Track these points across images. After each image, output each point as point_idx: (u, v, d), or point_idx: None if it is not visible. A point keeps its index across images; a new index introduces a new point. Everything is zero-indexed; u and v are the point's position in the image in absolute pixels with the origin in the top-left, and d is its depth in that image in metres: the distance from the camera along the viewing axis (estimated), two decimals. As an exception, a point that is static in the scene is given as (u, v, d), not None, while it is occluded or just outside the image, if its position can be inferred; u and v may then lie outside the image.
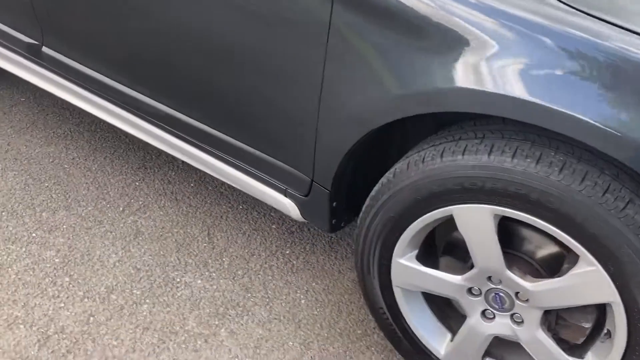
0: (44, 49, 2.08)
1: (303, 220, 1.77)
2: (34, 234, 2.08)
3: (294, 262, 2.04)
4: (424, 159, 1.36)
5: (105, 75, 1.97)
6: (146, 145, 2.52)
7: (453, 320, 1.61)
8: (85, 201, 2.23)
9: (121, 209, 2.21)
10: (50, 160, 2.42)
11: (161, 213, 2.20)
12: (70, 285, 1.90)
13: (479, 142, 1.29)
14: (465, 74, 1.22)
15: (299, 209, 1.74)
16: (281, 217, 2.22)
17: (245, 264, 2.02)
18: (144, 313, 1.84)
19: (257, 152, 1.74)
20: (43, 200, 2.22)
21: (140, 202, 2.24)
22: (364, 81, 1.37)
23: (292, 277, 1.99)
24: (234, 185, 1.90)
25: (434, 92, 1.26)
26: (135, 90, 1.90)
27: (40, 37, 2.07)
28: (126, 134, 2.58)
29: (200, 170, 2.41)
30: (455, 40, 1.23)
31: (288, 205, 1.76)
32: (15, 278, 1.91)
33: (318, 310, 1.89)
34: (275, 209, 2.23)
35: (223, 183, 2.35)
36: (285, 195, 1.75)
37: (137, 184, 2.33)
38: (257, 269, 2.01)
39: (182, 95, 1.83)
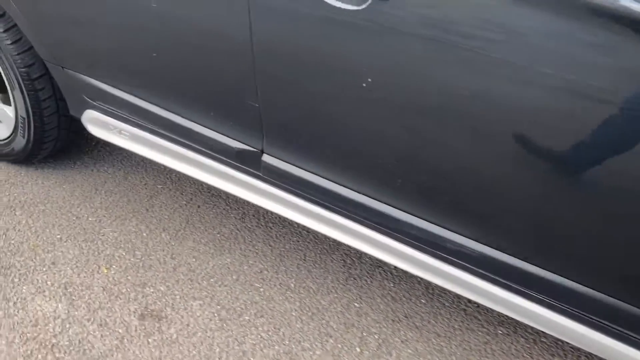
0: (265, 157, 1.56)
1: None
2: (267, 405, 1.57)
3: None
4: None
5: (364, 194, 1.46)
6: (337, 244, 2.02)
7: None
8: (308, 341, 1.71)
9: (358, 349, 1.70)
10: (235, 277, 1.89)
11: (410, 352, 1.70)
12: None
13: None
14: None
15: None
16: (557, 340, 1.74)
17: None
18: None
19: (621, 304, 1.27)
20: (254, 345, 1.70)
21: (376, 337, 1.73)
22: None
23: None
24: (549, 332, 1.42)
25: None
26: (435, 225, 1.40)
27: (260, 142, 1.54)
28: (305, 227, 2.07)
29: (420, 277, 1.92)
30: None
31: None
32: None
33: None
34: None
35: (459, 296, 1.86)
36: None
37: (356, 305, 1.83)
38: None
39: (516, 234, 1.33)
